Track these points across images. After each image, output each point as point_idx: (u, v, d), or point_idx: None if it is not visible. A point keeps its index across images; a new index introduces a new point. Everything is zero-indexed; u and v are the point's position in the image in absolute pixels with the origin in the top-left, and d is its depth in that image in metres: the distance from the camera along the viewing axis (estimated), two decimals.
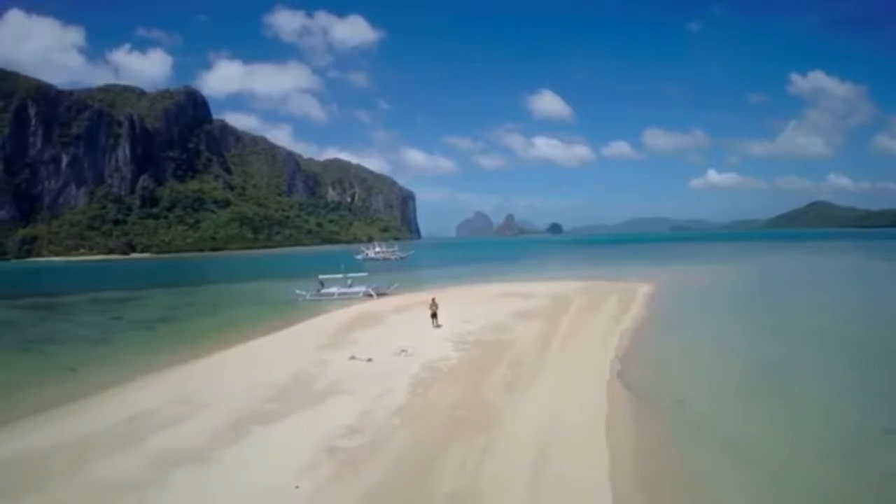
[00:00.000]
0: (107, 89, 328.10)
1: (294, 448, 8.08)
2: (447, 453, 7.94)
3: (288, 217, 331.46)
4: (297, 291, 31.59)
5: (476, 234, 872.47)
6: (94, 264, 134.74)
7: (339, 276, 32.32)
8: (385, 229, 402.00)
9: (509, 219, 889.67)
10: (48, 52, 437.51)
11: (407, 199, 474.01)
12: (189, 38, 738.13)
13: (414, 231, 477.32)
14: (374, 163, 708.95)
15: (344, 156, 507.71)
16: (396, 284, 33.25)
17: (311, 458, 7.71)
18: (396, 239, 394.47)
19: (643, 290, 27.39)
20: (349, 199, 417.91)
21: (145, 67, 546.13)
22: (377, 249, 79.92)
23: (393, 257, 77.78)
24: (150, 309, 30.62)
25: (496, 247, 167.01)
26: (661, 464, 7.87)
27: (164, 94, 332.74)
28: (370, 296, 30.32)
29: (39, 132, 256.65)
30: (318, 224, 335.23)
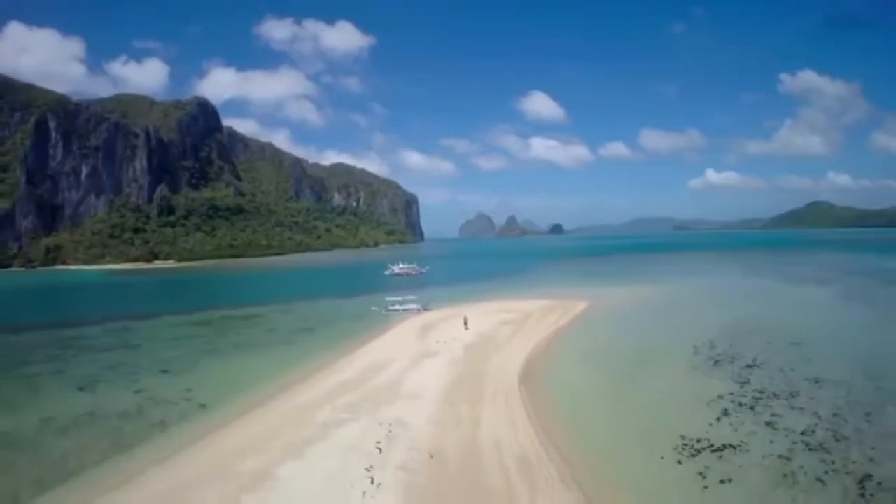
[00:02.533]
0: (118, 99, 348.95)
1: (434, 368, 29.83)
2: (476, 364, 29.93)
3: (297, 222, 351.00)
4: (373, 308, 53.61)
5: (479, 234, 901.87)
6: (137, 276, 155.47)
7: (399, 298, 54.44)
8: (390, 233, 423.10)
9: (511, 220, 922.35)
10: (49, 63, 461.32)
11: (410, 203, 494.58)
12: (184, 48, 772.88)
13: (418, 234, 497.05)
14: (373, 165, 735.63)
15: (343, 158, 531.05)
16: (433, 304, 55.28)
17: (440, 369, 29.51)
18: (401, 242, 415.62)
19: (579, 307, 49.42)
20: (354, 204, 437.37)
21: (143, 77, 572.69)
22: (401, 266, 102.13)
23: (414, 273, 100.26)
24: (280, 323, 50.78)
25: (497, 257, 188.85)
26: (537, 378, 29.47)
27: (177, 104, 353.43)
28: (419, 311, 52.15)
29: (59, 144, 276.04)
30: (327, 229, 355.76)
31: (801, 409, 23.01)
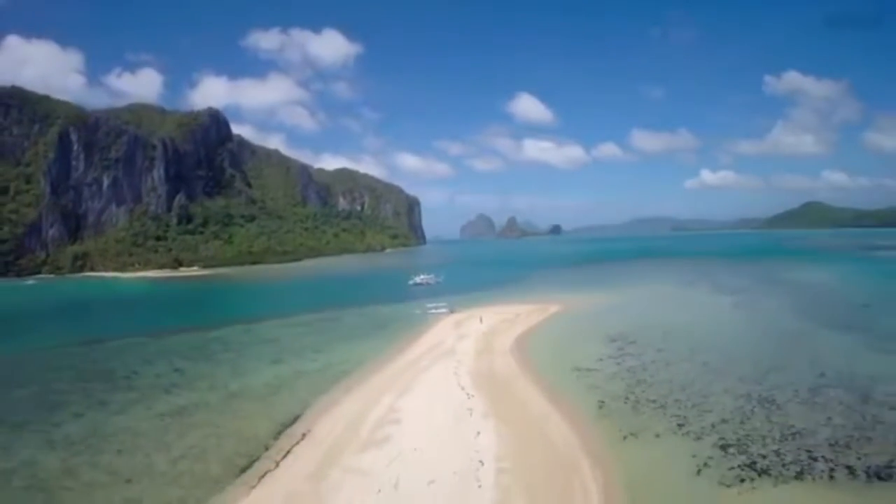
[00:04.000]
0: (130, 109, 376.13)
1: (468, 343, 59.48)
2: (489, 341, 59.69)
3: (307, 228, 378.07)
4: (416, 311, 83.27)
5: (479, 236, 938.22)
6: (183, 284, 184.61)
7: (434, 304, 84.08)
8: (395, 236, 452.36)
9: (511, 221, 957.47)
10: (49, 75, 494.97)
11: (413, 206, 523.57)
12: (175, 60, 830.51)
13: (420, 237, 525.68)
14: (369, 168, 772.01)
15: (339, 161, 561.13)
16: (458, 308, 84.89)
17: (471, 343, 59.21)
18: (405, 246, 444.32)
19: (552, 310, 79.22)
20: (359, 208, 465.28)
21: (138, 87, 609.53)
22: (422, 277, 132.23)
23: (433, 282, 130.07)
24: (359, 324, 79.58)
25: (498, 266, 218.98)
26: (519, 347, 59.17)
27: (190, 115, 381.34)
28: (449, 312, 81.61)
29: (81, 156, 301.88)
30: (335, 234, 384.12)
31: (640, 360, 52.49)
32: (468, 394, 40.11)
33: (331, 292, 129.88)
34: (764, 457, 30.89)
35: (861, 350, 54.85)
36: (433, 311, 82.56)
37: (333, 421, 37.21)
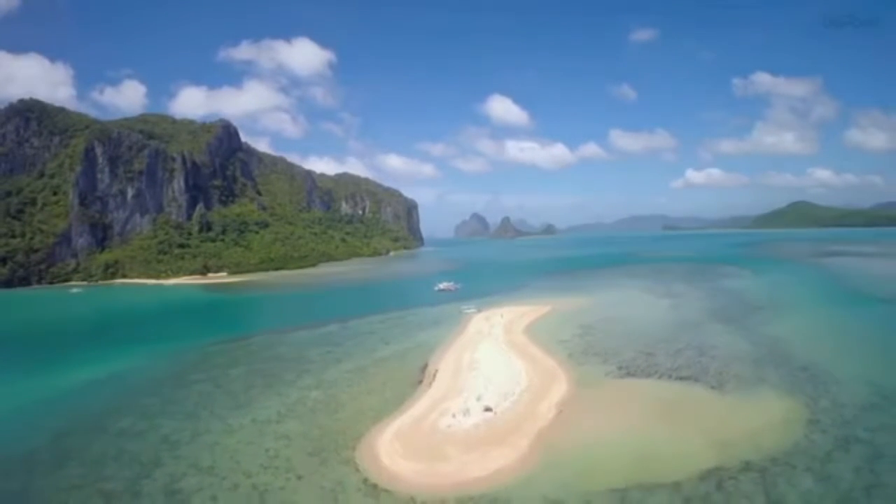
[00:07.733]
0: (143, 119, 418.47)
1: (498, 329, 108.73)
2: (511, 326, 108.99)
3: (315, 233, 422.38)
4: (454, 312, 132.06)
5: (474, 235, 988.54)
6: (232, 291, 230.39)
7: (466, 305, 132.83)
8: (396, 239, 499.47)
9: (506, 221, 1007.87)
10: (40, 87, 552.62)
11: (411, 209, 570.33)
12: (155, 73, 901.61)
13: (418, 239, 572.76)
14: (355, 169, 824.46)
15: (325, 164, 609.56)
16: (482, 308, 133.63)
17: (499, 329, 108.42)
18: (407, 248, 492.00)
19: (545, 309, 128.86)
20: (360, 212, 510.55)
21: (122, 99, 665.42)
22: (444, 284, 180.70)
23: (453, 289, 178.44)
24: (420, 322, 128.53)
25: (503, 273, 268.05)
26: (528, 329, 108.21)
27: (203, 127, 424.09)
28: (477, 311, 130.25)
29: (107, 169, 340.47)
30: (342, 239, 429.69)
31: (594, 337, 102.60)
32: (506, 351, 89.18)
33: (377, 298, 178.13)
34: (635, 370, 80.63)
35: (722, 333, 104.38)
36: (466, 310, 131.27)
37: (447, 364, 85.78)
